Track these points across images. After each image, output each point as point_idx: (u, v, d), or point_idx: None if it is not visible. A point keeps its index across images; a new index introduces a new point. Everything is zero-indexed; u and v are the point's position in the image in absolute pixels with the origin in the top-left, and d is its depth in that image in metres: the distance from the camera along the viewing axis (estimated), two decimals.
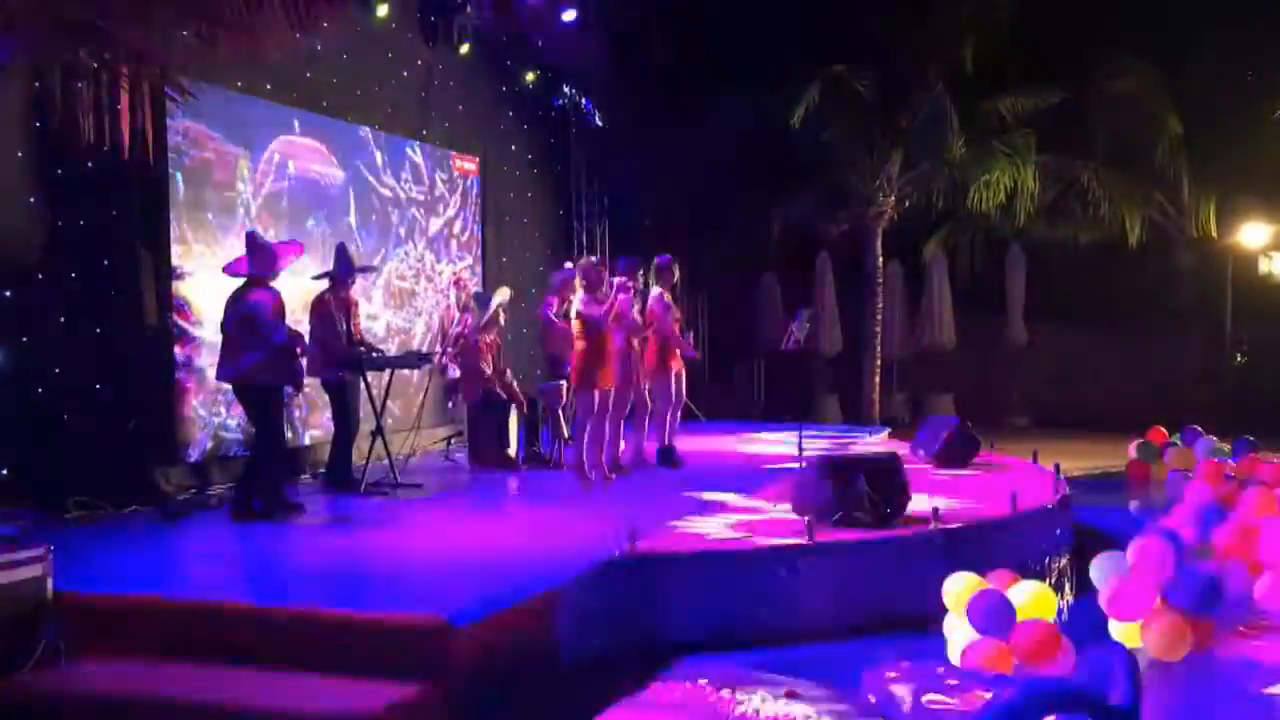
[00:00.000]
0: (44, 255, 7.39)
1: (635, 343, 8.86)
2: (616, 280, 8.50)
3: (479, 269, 12.23)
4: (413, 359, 9.48)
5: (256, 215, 8.77)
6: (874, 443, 11.23)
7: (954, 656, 5.24)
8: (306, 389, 8.47)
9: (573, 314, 8.32)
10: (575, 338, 8.29)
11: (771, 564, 6.05)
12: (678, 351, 9.35)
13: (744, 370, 16.74)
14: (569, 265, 9.93)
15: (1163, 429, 11.58)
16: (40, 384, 7.31)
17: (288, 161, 9.20)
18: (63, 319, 7.43)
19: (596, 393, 8.27)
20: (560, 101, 13.93)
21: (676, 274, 9.20)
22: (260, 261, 7.12)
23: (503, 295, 9.89)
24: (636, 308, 8.89)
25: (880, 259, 15.25)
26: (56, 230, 7.42)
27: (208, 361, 8.02)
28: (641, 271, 9.24)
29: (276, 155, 9.09)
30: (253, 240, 7.24)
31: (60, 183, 7.40)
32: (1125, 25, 14.70)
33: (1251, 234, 15.53)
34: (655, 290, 9.13)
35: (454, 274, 11.60)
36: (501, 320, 9.94)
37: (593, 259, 8.45)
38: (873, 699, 4.76)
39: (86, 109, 6.43)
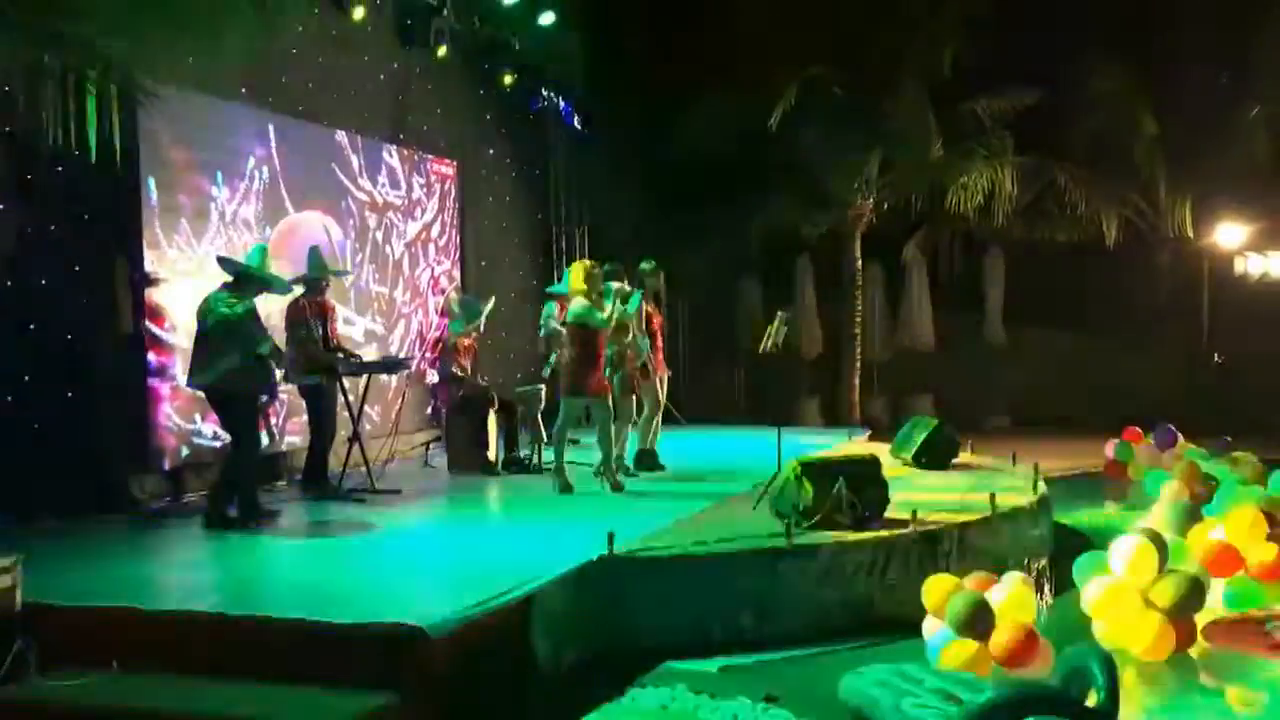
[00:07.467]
0: (12, 261, 7.30)
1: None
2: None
3: (458, 273, 12.18)
4: (390, 364, 9.43)
5: (230, 220, 8.70)
6: (854, 445, 11.21)
7: (933, 658, 5.23)
8: (283, 394, 8.39)
9: (567, 318, 8.24)
10: (566, 343, 8.24)
11: (750, 568, 6.03)
12: (660, 357, 9.35)
13: (724, 373, 16.73)
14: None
15: (1138, 428, 11.63)
16: (10, 391, 7.21)
17: (262, 166, 9.13)
18: (33, 325, 7.33)
19: (585, 400, 8.23)
20: (539, 104, 13.89)
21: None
22: (250, 279, 7.09)
23: (491, 304, 9.90)
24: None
25: (859, 261, 15.28)
26: (25, 235, 7.32)
27: (181, 368, 7.95)
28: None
29: (251, 160, 9.02)
30: (260, 254, 7.22)
31: (28, 188, 7.30)
32: (1101, 27, 14.76)
33: (1228, 235, 15.61)
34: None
35: (432, 278, 11.57)
36: (481, 326, 9.93)
37: (588, 262, 8.33)
38: (851, 703, 4.74)
39: (54, 113, 6.35)
